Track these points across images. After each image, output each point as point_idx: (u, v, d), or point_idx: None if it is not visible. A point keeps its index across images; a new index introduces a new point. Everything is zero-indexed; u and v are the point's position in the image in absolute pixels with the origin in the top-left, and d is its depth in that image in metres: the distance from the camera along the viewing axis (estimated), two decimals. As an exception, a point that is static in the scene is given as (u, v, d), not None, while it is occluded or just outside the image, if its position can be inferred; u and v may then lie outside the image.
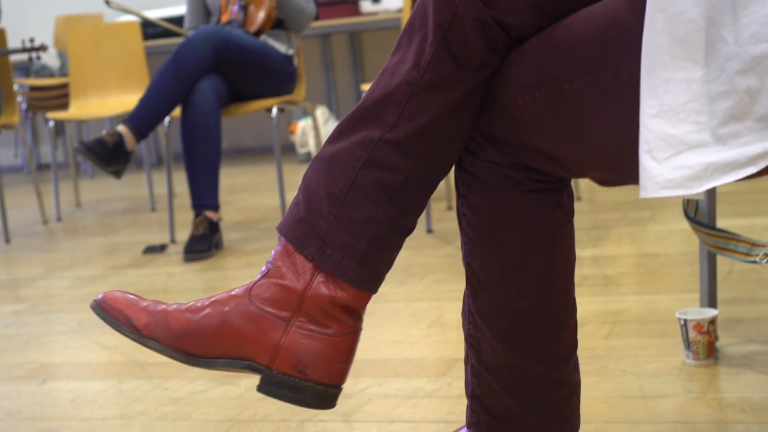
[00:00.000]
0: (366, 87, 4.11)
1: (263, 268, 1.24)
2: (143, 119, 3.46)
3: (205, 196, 3.51)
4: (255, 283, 1.23)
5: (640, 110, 1.08)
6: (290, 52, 3.89)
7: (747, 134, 1.03)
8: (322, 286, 1.21)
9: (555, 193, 1.25)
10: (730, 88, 1.03)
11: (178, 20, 5.75)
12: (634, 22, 1.13)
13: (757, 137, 1.02)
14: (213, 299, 1.23)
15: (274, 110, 3.74)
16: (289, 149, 6.23)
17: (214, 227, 3.52)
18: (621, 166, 1.17)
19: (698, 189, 1.04)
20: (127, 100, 4.62)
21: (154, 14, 6.23)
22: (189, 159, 3.51)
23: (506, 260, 1.25)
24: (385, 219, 1.21)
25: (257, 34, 3.76)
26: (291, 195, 4.57)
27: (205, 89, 3.50)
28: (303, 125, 5.87)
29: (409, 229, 1.25)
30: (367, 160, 1.21)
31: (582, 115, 1.16)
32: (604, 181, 1.23)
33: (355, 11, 5.94)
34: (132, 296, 1.25)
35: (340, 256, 1.21)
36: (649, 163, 1.07)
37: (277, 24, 3.85)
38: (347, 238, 1.21)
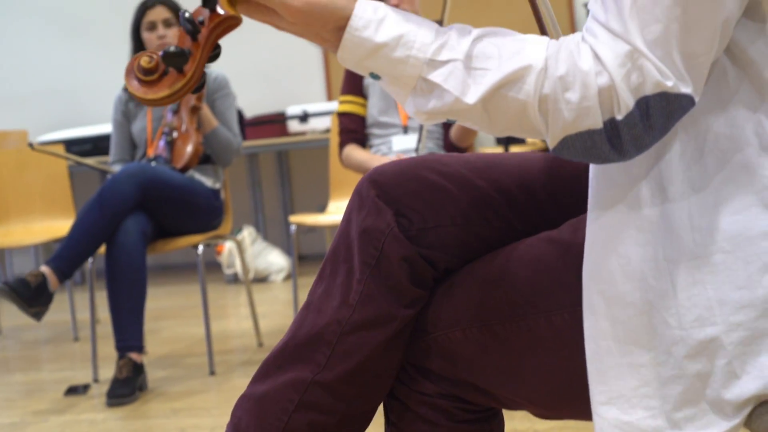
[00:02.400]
0: (295, 218, 4.11)
1: None
2: (67, 260, 3.40)
3: (128, 337, 3.44)
4: None
5: (590, 397, 1.07)
6: (217, 185, 3.88)
7: (703, 417, 1.01)
8: None
9: (487, 421, 1.24)
10: (680, 372, 1.02)
11: (105, 138, 5.73)
12: (564, 270, 1.13)
13: (713, 420, 1.01)
14: None
15: (200, 248, 3.71)
16: (215, 267, 6.18)
17: (138, 369, 3.44)
18: (559, 405, 1.16)
19: None
20: (52, 227, 4.55)
21: (82, 132, 6.20)
22: (113, 299, 3.44)
23: None
24: None
25: (184, 169, 3.75)
26: (217, 324, 4.52)
27: (131, 228, 3.46)
28: (230, 246, 5.84)
29: None
30: (300, 402, 1.19)
31: (515, 356, 1.16)
32: (543, 416, 1.22)
33: (283, 131, 5.97)
34: None
35: None
36: None
37: (204, 159, 3.85)
38: None
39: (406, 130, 3.60)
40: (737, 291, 1.01)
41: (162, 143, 3.80)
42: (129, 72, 1.08)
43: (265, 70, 6.56)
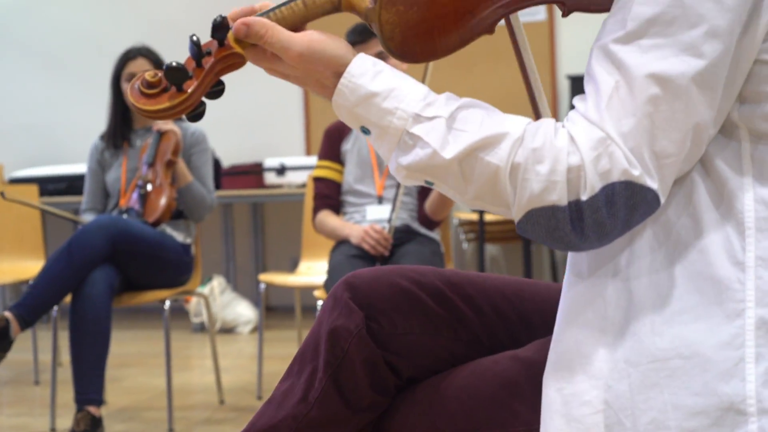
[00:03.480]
0: (265, 276, 4.10)
1: None
2: (30, 308, 3.38)
3: (88, 390, 3.41)
4: None
5: None
6: (188, 240, 3.88)
7: None
8: None
9: None
10: None
11: (80, 178, 5.72)
12: (527, 387, 1.15)
13: None
14: None
15: (167, 303, 3.70)
16: (183, 313, 6.15)
17: (96, 422, 3.40)
18: None
19: None
20: (21, 268, 4.52)
21: (58, 170, 6.19)
22: (75, 350, 3.42)
23: None
24: None
25: (155, 224, 3.74)
26: (179, 377, 4.48)
27: (98, 280, 3.44)
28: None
29: None
30: None
31: None
32: None
33: (260, 182, 5.97)
34: None
35: None
36: None
37: (177, 215, 3.84)
38: None
39: (380, 200, 3.61)
40: (693, 397, 1.03)
41: (135, 195, 3.80)
42: (133, 85, 1.15)
43: (244, 119, 6.58)
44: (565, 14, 1.24)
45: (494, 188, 1.08)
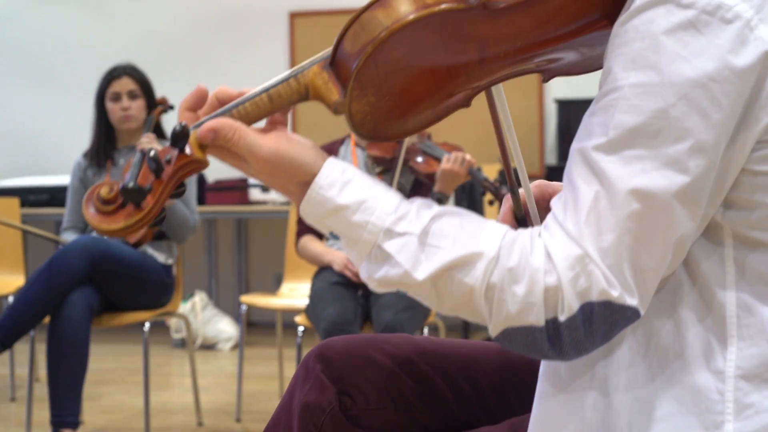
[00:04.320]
0: (246, 298, 4.07)
1: None
2: (9, 330, 3.34)
3: (64, 413, 3.37)
4: None
5: None
6: (169, 261, 3.84)
7: None
8: None
9: None
10: None
11: (62, 189, 5.67)
12: None
13: None
14: None
15: (147, 325, 3.66)
16: (164, 328, 6.11)
17: (71, 445, 3.37)
18: None
19: None
20: (1, 282, 4.49)
21: (40, 180, 6.15)
22: (52, 372, 3.38)
23: None
24: None
25: (137, 245, 3.71)
26: (158, 396, 4.44)
27: (77, 301, 3.41)
28: (180, 310, 5.78)
29: None
30: None
31: None
32: None
33: (244, 198, 5.94)
34: None
35: None
36: None
37: (159, 236, 3.81)
38: None
39: (364, 225, 3.58)
40: None
41: (117, 215, 3.76)
42: (88, 199, 1.09)
43: (231, 134, 6.55)
44: (545, 81, 1.21)
45: (469, 305, 1.04)
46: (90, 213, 1.08)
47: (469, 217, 1.08)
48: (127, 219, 1.06)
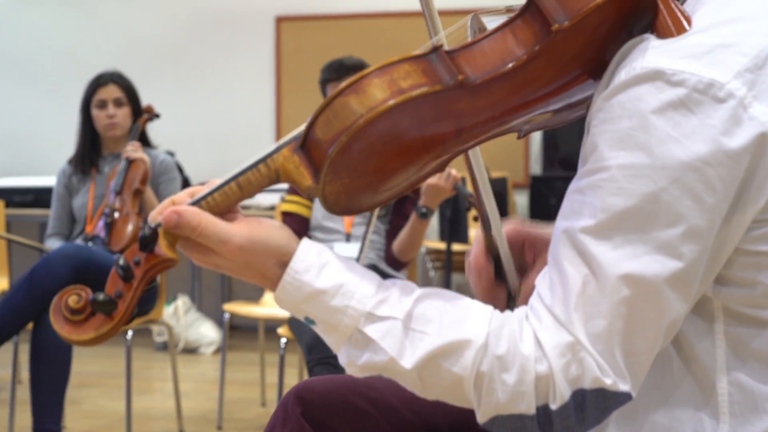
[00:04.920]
0: (229, 306, 4.08)
1: None
2: (-9, 338, 3.35)
3: (46, 420, 3.37)
4: None
5: None
6: (154, 269, 3.84)
7: None
8: None
9: None
10: None
11: (47, 191, 5.66)
12: None
13: None
14: None
15: (129, 333, 3.67)
16: (147, 330, 6.10)
17: (53, 453, 3.38)
18: None
19: None
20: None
21: (25, 181, 6.13)
22: (34, 379, 3.39)
23: None
24: None
25: (121, 252, 3.71)
26: (139, 400, 4.44)
27: (60, 310, 3.41)
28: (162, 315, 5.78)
29: None
30: None
31: None
32: None
33: (228, 202, 5.93)
34: None
35: None
36: None
37: (143, 244, 3.81)
38: None
39: (348, 237, 3.60)
40: None
41: (101, 223, 3.77)
42: (56, 308, 1.05)
43: (214, 137, 6.56)
44: (520, 137, 1.20)
45: (456, 393, 1.02)
46: (59, 323, 1.04)
47: (452, 299, 1.05)
48: (98, 329, 1.03)
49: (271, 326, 4.91)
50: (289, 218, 3.70)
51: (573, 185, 1.04)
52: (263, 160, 1.06)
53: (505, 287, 1.27)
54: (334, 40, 6.26)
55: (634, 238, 0.97)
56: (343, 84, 1.01)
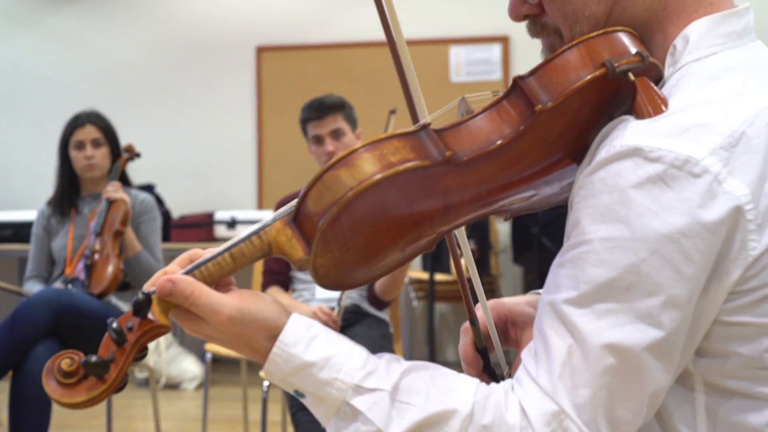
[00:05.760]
0: (210, 346, 4.04)
1: None
2: (-31, 385, 3.30)
3: (26, 470, 3.33)
4: None
5: None
6: (134, 310, 3.80)
7: None
8: None
9: None
10: None
11: (27, 225, 5.61)
12: None
13: None
14: None
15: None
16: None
17: (33, 503, 3.33)
18: None
19: None
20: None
21: (3, 216, 6.08)
22: (14, 428, 3.34)
23: None
24: None
25: (101, 296, 3.68)
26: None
27: (41, 356, 3.36)
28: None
29: None
30: None
31: None
32: None
33: (210, 235, 5.91)
34: None
35: None
36: None
37: (124, 286, 3.78)
38: None
39: (330, 278, 3.57)
40: None
41: (81, 265, 3.72)
42: (48, 372, 1.05)
43: (195, 167, 6.52)
44: (507, 219, 1.22)
45: None
46: (51, 385, 1.04)
47: (439, 370, 1.07)
48: (90, 392, 1.04)
49: (253, 363, 4.87)
50: (270, 258, 3.66)
51: (557, 260, 1.07)
52: (256, 232, 1.09)
53: (497, 378, 1.28)
54: (315, 70, 6.25)
55: (616, 308, 1.00)
56: (334, 158, 1.03)
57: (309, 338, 1.06)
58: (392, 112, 3.42)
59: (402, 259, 1.13)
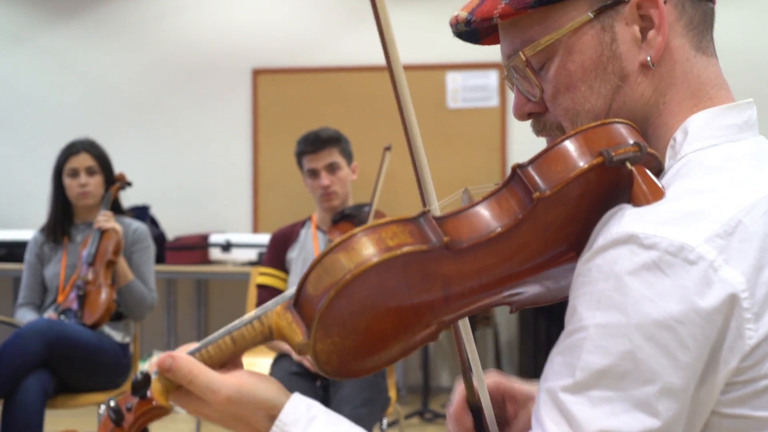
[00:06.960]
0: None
1: None
2: (-40, 416, 3.29)
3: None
4: None
5: None
6: (126, 340, 3.80)
7: None
8: None
9: None
10: None
11: (21, 245, 5.58)
12: None
13: None
14: None
15: (102, 408, 3.61)
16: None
17: None
18: None
19: None
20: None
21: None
22: (4, 459, 3.33)
23: None
24: None
25: (94, 326, 3.66)
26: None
27: (32, 387, 3.36)
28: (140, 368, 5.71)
29: None
30: None
31: None
32: None
33: (204, 257, 5.90)
34: None
35: None
36: None
37: (116, 316, 3.77)
38: None
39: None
40: None
41: (73, 295, 3.71)
42: None
43: (190, 190, 6.51)
44: (513, 312, 1.21)
45: None
46: None
47: None
48: None
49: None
50: (264, 291, 3.66)
51: (555, 349, 1.06)
52: (257, 316, 1.09)
53: None
54: (311, 93, 6.24)
55: (612, 395, 0.99)
56: (334, 242, 1.03)
57: (309, 419, 1.06)
58: (387, 148, 3.42)
59: (405, 349, 1.12)
